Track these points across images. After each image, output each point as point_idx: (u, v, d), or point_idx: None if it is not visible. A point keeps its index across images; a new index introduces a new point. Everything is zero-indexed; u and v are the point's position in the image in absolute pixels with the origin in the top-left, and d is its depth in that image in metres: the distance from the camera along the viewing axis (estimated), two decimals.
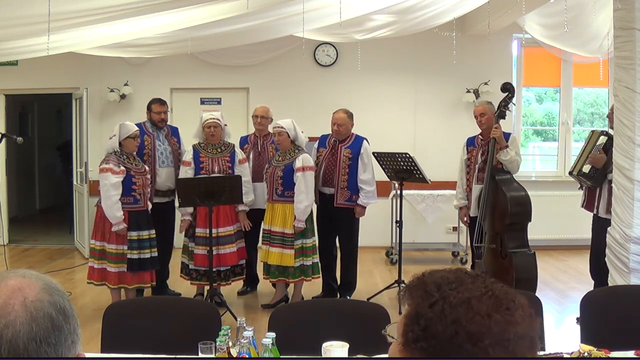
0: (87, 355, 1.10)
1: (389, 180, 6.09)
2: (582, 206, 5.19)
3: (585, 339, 2.55)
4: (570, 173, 5.32)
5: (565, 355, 2.25)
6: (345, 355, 2.16)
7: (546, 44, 7.63)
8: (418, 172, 5.41)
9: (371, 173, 5.48)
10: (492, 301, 1.05)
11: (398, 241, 5.68)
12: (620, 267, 4.19)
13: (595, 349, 2.26)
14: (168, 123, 5.94)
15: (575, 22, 6.55)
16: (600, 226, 4.71)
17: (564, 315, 5.30)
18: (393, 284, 5.56)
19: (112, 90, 7.88)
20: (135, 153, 5.24)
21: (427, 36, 7.12)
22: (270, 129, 5.78)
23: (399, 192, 5.79)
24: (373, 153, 5.59)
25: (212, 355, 2.17)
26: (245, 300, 5.76)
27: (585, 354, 2.24)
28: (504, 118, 5.22)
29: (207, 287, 5.18)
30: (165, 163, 5.61)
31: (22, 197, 10.04)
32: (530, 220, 5.01)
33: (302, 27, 4.72)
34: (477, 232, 5.16)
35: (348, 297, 5.51)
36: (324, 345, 2.17)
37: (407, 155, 5.44)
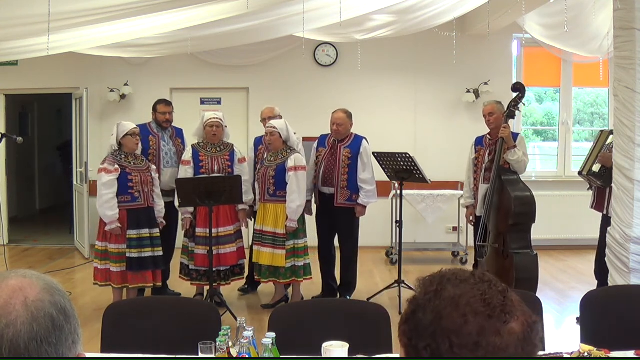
0: (88, 355, 1.10)
1: (389, 180, 6.08)
2: (592, 207, 5.17)
3: (585, 339, 2.55)
4: (580, 173, 5.30)
5: (565, 355, 2.25)
6: (345, 355, 2.16)
7: (546, 44, 7.63)
8: (418, 172, 5.41)
9: (371, 172, 5.48)
10: (479, 306, 1.05)
11: (398, 241, 5.68)
12: (620, 267, 4.19)
13: (595, 349, 2.26)
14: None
15: (575, 22, 6.55)
16: (609, 226, 4.69)
17: (564, 315, 5.30)
18: (393, 284, 5.56)
19: (112, 90, 7.88)
20: (140, 152, 5.26)
21: (427, 36, 7.12)
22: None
23: (399, 192, 5.79)
24: (373, 153, 5.59)
25: (212, 355, 2.17)
26: (245, 300, 5.76)
27: (585, 354, 2.24)
28: (513, 118, 5.22)
29: (207, 287, 5.18)
30: (170, 163, 5.62)
31: (22, 197, 10.04)
32: (534, 222, 4.99)
33: (302, 27, 4.72)
34: (481, 231, 5.16)
35: (348, 297, 5.51)
36: (324, 345, 2.16)
37: (407, 155, 5.44)
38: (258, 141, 5.84)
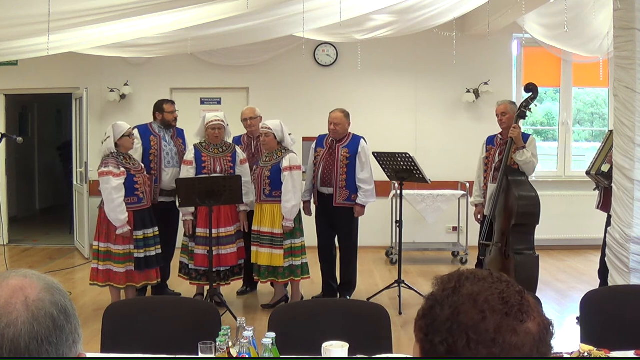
0: (88, 355, 1.10)
1: (389, 180, 6.08)
2: (598, 207, 5.16)
3: (585, 339, 2.56)
4: (588, 173, 5.29)
5: (565, 355, 2.25)
6: (345, 355, 2.15)
7: (546, 44, 7.63)
8: (418, 172, 5.41)
9: (369, 172, 5.48)
10: (497, 303, 1.06)
11: (398, 241, 5.67)
12: (620, 267, 4.19)
13: (595, 349, 2.26)
14: None
15: (575, 22, 6.55)
16: None
17: (564, 315, 5.30)
18: (393, 284, 5.56)
19: (112, 90, 7.88)
20: (141, 152, 5.25)
21: (427, 36, 7.12)
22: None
23: (399, 192, 5.79)
24: (373, 153, 5.59)
25: (212, 355, 2.17)
26: (245, 300, 5.76)
27: (585, 354, 2.24)
28: (524, 119, 5.21)
29: (207, 287, 5.18)
30: (171, 164, 5.62)
31: (22, 197, 10.04)
32: (538, 223, 4.97)
33: (302, 27, 4.72)
34: (485, 230, 5.16)
35: (348, 297, 5.51)
36: (324, 345, 2.16)
37: (407, 155, 5.44)
38: (236, 140, 5.83)
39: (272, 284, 5.54)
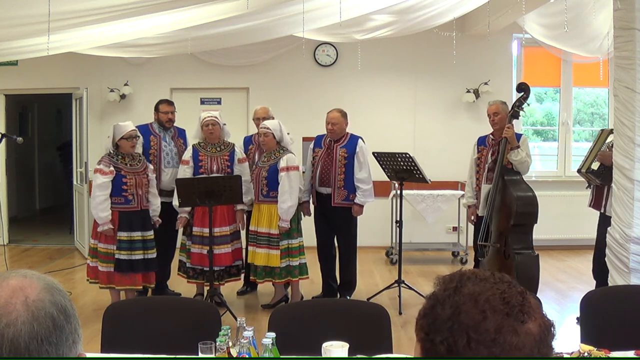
0: (88, 355, 1.10)
1: (388, 180, 6.08)
2: (590, 205, 5.17)
3: (585, 339, 2.55)
4: (579, 171, 5.30)
5: (565, 355, 2.25)
6: (345, 355, 2.15)
7: (546, 44, 7.63)
8: (418, 172, 5.41)
9: (367, 172, 5.48)
10: (498, 303, 1.06)
11: (398, 241, 5.68)
12: (620, 267, 4.19)
13: (595, 349, 2.26)
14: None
15: (575, 22, 6.55)
16: (607, 225, 4.69)
17: (564, 315, 5.30)
18: (393, 284, 5.56)
19: (112, 90, 7.88)
20: (141, 152, 5.26)
21: (427, 36, 7.12)
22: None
23: (399, 192, 5.79)
24: (373, 153, 5.59)
25: (212, 355, 2.17)
26: (245, 300, 5.76)
27: (585, 354, 2.24)
28: (517, 118, 5.21)
29: (206, 287, 5.18)
30: (171, 164, 5.62)
31: (22, 197, 10.05)
32: (536, 222, 4.97)
33: (302, 27, 4.72)
34: (483, 231, 5.16)
35: (348, 297, 5.51)
36: (324, 345, 2.16)
37: (407, 155, 5.44)
38: (248, 140, 5.85)
39: (272, 284, 5.53)
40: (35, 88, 8.21)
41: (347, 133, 5.56)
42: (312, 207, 5.72)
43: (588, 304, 2.72)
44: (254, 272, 5.34)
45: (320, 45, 7.91)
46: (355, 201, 5.45)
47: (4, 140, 5.55)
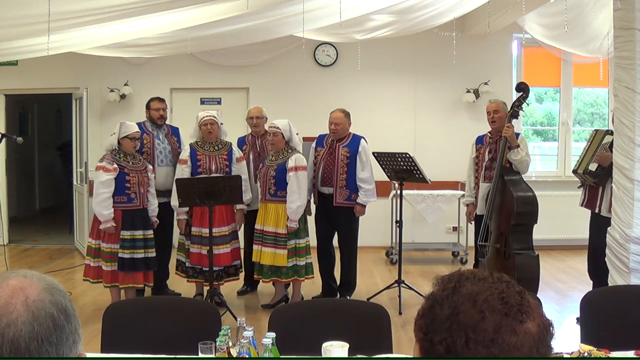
0: (88, 355, 1.10)
1: (389, 180, 6.09)
2: (582, 204, 5.17)
3: (585, 339, 2.55)
4: (575, 171, 5.30)
5: (565, 355, 2.25)
6: (345, 355, 2.15)
7: (546, 44, 7.63)
8: (418, 172, 5.41)
9: (370, 171, 5.48)
10: (497, 303, 1.06)
11: (398, 241, 5.68)
12: (620, 267, 4.19)
13: (595, 349, 2.26)
14: (168, 123, 5.95)
15: (575, 22, 6.55)
16: (600, 225, 4.69)
17: (564, 315, 5.30)
18: (393, 284, 5.56)
19: (112, 90, 7.88)
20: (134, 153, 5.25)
21: (427, 36, 7.12)
22: (266, 127, 5.82)
23: (399, 192, 5.79)
24: (373, 153, 5.59)
25: (212, 355, 2.17)
26: (245, 300, 5.76)
27: (585, 354, 2.24)
28: (517, 118, 5.21)
29: (206, 287, 5.18)
30: (164, 162, 5.59)
31: (22, 197, 10.05)
32: (536, 222, 4.97)
33: (302, 27, 4.72)
34: (482, 231, 5.16)
35: (348, 297, 5.51)
36: (324, 345, 2.16)
37: (407, 155, 5.44)
38: (241, 141, 5.85)
39: (273, 284, 5.53)
40: (35, 88, 8.21)
41: (350, 133, 5.56)
42: (312, 206, 5.72)
43: (588, 304, 2.72)
44: (260, 271, 5.33)
45: (320, 45, 7.91)
46: (357, 201, 5.45)
47: (4, 140, 5.55)
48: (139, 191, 5.07)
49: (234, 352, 2.16)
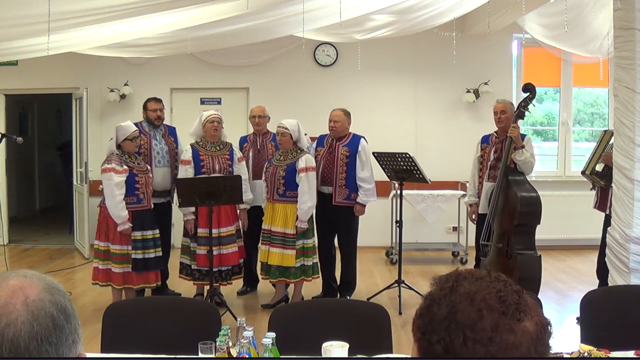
0: (88, 355, 1.10)
1: (389, 180, 6.09)
2: (595, 207, 5.18)
3: (585, 339, 2.55)
4: (583, 173, 5.29)
5: (565, 355, 2.25)
6: (345, 355, 2.15)
7: (546, 44, 7.63)
8: (418, 172, 5.41)
9: (369, 171, 5.48)
10: (494, 302, 1.06)
11: (398, 241, 5.68)
12: (620, 267, 4.19)
13: (595, 349, 2.26)
14: (167, 123, 5.94)
15: (575, 22, 6.55)
16: None
17: (564, 315, 5.30)
18: (393, 284, 5.56)
19: (112, 90, 7.88)
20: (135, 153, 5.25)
21: (427, 36, 7.12)
22: (269, 127, 5.82)
23: (399, 192, 5.79)
24: (373, 153, 5.59)
25: (212, 355, 2.17)
26: (245, 300, 5.76)
27: (585, 354, 2.24)
28: (523, 118, 5.21)
29: (207, 287, 5.18)
30: (162, 163, 5.59)
31: (22, 197, 10.05)
32: (539, 223, 4.96)
33: (302, 27, 4.72)
34: (485, 230, 5.15)
35: (348, 297, 5.51)
36: (324, 345, 2.16)
37: (407, 155, 5.44)
38: (243, 140, 5.87)
39: (273, 284, 5.53)
40: (35, 88, 8.21)
41: (350, 132, 5.57)
42: None
43: (588, 304, 2.72)
44: (267, 271, 5.33)
45: (320, 45, 7.92)
46: (357, 200, 5.45)
47: (4, 140, 5.55)
48: (147, 191, 5.09)
49: (234, 352, 2.16)
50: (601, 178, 4.96)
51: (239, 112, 8.02)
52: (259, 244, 5.47)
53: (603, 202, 5.04)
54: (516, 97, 7.75)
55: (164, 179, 5.53)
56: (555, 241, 7.70)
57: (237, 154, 5.45)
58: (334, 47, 7.99)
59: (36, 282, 1.02)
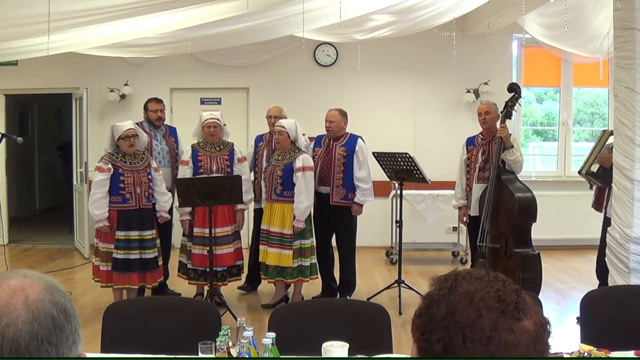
0: (88, 355, 1.10)
1: (389, 180, 6.09)
2: (593, 206, 5.19)
3: (585, 339, 2.55)
4: (580, 172, 5.31)
5: (565, 355, 2.25)
6: (345, 355, 2.16)
7: (546, 44, 7.63)
8: (418, 172, 5.41)
9: (367, 171, 5.48)
10: (493, 301, 1.06)
11: (398, 241, 5.68)
12: (620, 267, 4.19)
13: (595, 349, 2.26)
14: (167, 123, 5.94)
15: (575, 22, 6.55)
16: (608, 227, 4.69)
17: (564, 315, 5.30)
18: (393, 284, 5.56)
19: (112, 90, 7.88)
20: (142, 150, 5.26)
21: (427, 36, 7.12)
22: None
23: (399, 192, 5.79)
24: (373, 153, 5.60)
25: (212, 355, 2.17)
26: (245, 300, 5.76)
27: (585, 354, 2.24)
28: (510, 118, 5.23)
29: (206, 287, 5.18)
30: (162, 163, 5.60)
31: (22, 197, 10.04)
32: (535, 221, 5.02)
33: (302, 27, 4.72)
34: (481, 232, 5.16)
35: (348, 297, 5.51)
36: (324, 345, 2.17)
37: (407, 155, 5.44)
38: (259, 139, 5.87)
39: (274, 284, 5.53)
40: (35, 88, 8.21)
41: (347, 132, 5.58)
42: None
43: (588, 304, 2.72)
44: (265, 271, 5.34)
45: (320, 45, 7.91)
46: (354, 200, 5.45)
47: (4, 140, 5.55)
48: (135, 191, 5.03)
49: (234, 352, 2.16)
50: (596, 178, 4.97)
51: (239, 112, 8.02)
52: (259, 244, 5.46)
53: (599, 202, 5.05)
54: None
55: (165, 179, 5.53)
56: (555, 241, 7.70)
57: (238, 154, 5.44)
58: (334, 47, 7.99)
59: (36, 282, 1.02)
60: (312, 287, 5.67)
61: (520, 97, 5.17)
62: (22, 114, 10.14)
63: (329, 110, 5.58)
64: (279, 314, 2.63)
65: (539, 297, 3.24)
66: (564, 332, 4.71)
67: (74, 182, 8.14)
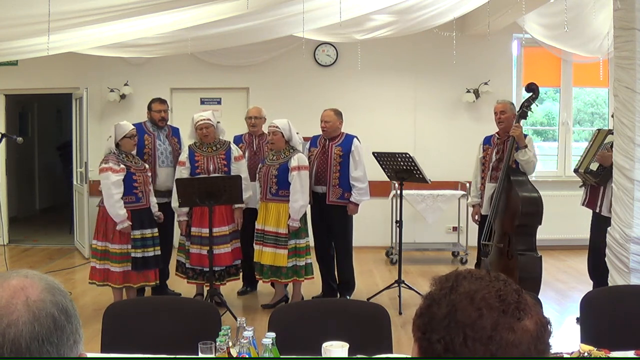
0: (88, 355, 1.10)
1: (388, 180, 6.08)
2: (583, 204, 5.17)
3: (585, 339, 2.56)
4: (576, 170, 5.29)
5: (565, 355, 2.26)
6: (345, 355, 2.16)
7: (546, 44, 7.63)
8: (418, 172, 5.41)
9: (363, 170, 5.49)
10: (494, 301, 1.06)
11: (398, 241, 5.68)
12: (620, 267, 4.19)
13: (595, 349, 2.26)
14: (169, 123, 5.94)
15: (575, 22, 6.55)
16: (601, 225, 4.69)
17: (564, 315, 5.30)
18: (393, 284, 5.56)
19: (112, 90, 7.88)
20: (135, 152, 5.25)
21: (427, 36, 7.12)
22: (265, 128, 5.81)
23: (399, 192, 5.79)
24: (373, 153, 5.60)
25: (212, 355, 2.17)
26: (245, 300, 5.76)
27: (585, 354, 2.24)
28: (526, 118, 5.20)
29: (206, 287, 5.18)
30: (165, 163, 5.60)
31: (22, 197, 10.04)
32: (540, 224, 4.95)
33: (302, 27, 4.72)
34: (486, 230, 5.15)
35: (348, 297, 5.51)
36: (324, 345, 2.17)
37: (407, 155, 5.44)
38: (238, 139, 5.85)
39: (272, 284, 5.53)
40: (35, 88, 8.21)
41: (343, 132, 5.59)
42: (308, 206, 5.71)
43: (588, 304, 2.72)
44: (260, 271, 5.34)
45: (320, 45, 7.91)
46: (350, 200, 5.46)
47: (4, 140, 5.55)
48: (145, 190, 5.10)
49: (234, 352, 2.16)
50: (595, 177, 4.96)
51: (239, 112, 7.99)
52: (254, 244, 5.45)
53: (592, 200, 5.02)
54: (516, 97, 7.76)
55: (168, 179, 5.53)
56: (555, 241, 7.70)
57: (235, 152, 5.44)
58: (334, 47, 7.99)
59: (37, 282, 1.02)
60: (312, 287, 5.68)
61: (537, 97, 5.13)
62: (22, 114, 10.14)
63: (324, 110, 5.60)
64: (279, 314, 2.63)
65: (539, 297, 3.24)
66: (564, 332, 4.71)
67: (74, 182, 8.14)
